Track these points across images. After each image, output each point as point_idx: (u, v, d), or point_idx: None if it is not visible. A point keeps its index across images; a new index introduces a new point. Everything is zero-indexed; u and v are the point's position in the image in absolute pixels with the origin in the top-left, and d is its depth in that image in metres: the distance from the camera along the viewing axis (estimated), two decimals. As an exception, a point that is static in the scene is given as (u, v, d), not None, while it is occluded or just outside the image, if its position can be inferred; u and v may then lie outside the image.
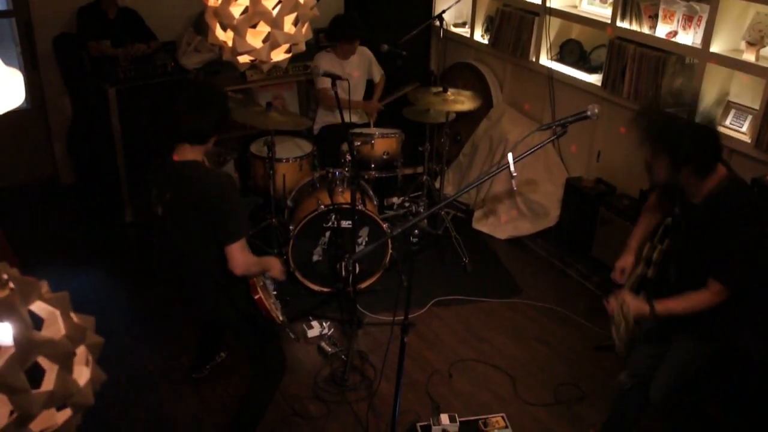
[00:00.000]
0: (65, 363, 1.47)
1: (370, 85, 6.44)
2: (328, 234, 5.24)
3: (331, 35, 6.05)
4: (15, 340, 1.40)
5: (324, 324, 5.01)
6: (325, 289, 5.35)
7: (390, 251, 5.39)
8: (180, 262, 3.66)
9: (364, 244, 5.30)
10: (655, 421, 4.09)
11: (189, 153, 3.47)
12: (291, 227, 5.23)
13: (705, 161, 3.07)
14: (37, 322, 1.50)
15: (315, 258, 5.31)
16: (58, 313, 1.51)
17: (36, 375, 1.46)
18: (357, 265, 5.06)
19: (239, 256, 3.43)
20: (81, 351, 1.54)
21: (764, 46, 4.58)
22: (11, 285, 1.48)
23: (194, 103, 3.43)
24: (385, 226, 5.28)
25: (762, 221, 3.11)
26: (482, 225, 6.39)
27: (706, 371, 4.18)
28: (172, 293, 5.19)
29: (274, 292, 4.01)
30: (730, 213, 3.07)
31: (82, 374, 1.53)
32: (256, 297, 3.65)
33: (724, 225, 3.07)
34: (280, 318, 3.77)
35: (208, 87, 3.69)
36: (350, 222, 5.04)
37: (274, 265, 3.76)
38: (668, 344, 3.52)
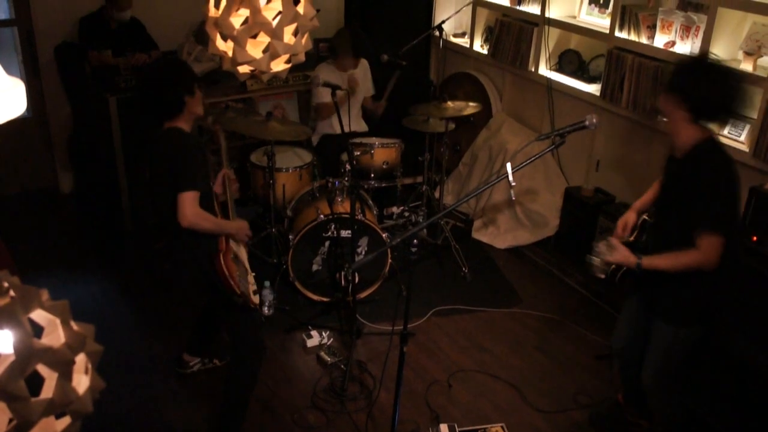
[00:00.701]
0: (64, 371, 1.48)
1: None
2: (327, 244, 5.25)
3: (336, 48, 6.06)
4: (15, 347, 1.41)
5: (323, 334, 5.00)
6: (325, 299, 5.36)
7: (389, 261, 5.39)
8: (162, 225, 3.82)
9: (363, 253, 5.30)
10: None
11: (175, 122, 3.75)
12: (291, 237, 5.24)
13: (698, 104, 3.18)
14: (37, 330, 1.51)
15: (314, 267, 5.31)
16: (58, 321, 1.52)
17: (35, 382, 1.47)
18: (356, 274, 5.07)
19: (186, 207, 3.55)
20: (80, 359, 1.55)
21: (761, 56, 4.60)
22: (12, 293, 1.49)
23: (158, 79, 3.73)
24: (384, 235, 5.29)
25: (733, 176, 3.23)
26: (482, 235, 6.40)
27: (704, 376, 4.21)
28: (172, 300, 5.26)
29: (253, 274, 4.03)
30: (704, 164, 3.20)
31: (81, 382, 1.54)
32: (217, 263, 3.70)
33: (698, 176, 3.19)
34: (239, 290, 3.74)
35: (167, 62, 3.88)
36: (350, 232, 5.05)
37: (238, 228, 3.88)
38: (646, 328, 3.66)
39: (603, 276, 3.50)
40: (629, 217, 3.74)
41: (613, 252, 3.39)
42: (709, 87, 3.15)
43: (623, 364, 4.03)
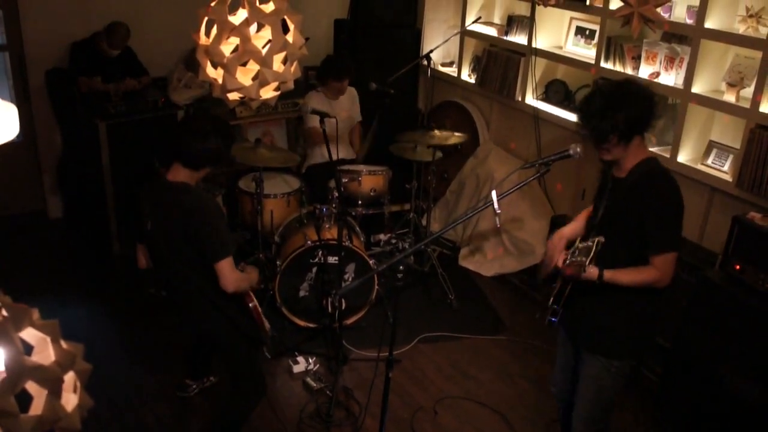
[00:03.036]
0: (54, 388, 1.50)
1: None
2: (314, 270, 5.27)
3: (321, 74, 6.11)
4: (6, 365, 1.43)
5: (310, 360, 5.01)
6: (312, 325, 5.36)
7: (376, 287, 5.41)
8: (168, 277, 3.77)
9: (350, 280, 5.32)
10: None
11: (181, 174, 3.60)
12: (278, 263, 5.26)
13: (626, 128, 3.13)
14: (26, 348, 1.53)
15: (301, 294, 5.32)
16: (48, 339, 1.54)
17: (23, 400, 1.48)
18: (343, 300, 5.08)
19: (229, 274, 3.54)
20: (69, 377, 1.57)
21: (744, 87, 4.67)
22: (3, 312, 1.51)
23: (199, 129, 3.56)
24: (371, 262, 5.31)
25: (679, 192, 3.22)
26: (468, 262, 6.42)
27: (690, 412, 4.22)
28: (160, 321, 5.26)
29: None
30: (656, 185, 3.19)
31: (69, 400, 1.56)
32: (251, 305, 3.75)
33: (652, 197, 3.17)
34: (268, 326, 3.84)
35: (216, 118, 3.81)
36: (337, 258, 5.07)
37: (255, 276, 3.88)
38: (578, 360, 3.56)
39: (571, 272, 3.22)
40: (560, 246, 3.58)
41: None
42: (632, 106, 3.12)
43: (563, 409, 3.89)
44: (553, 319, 3.43)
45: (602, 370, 3.41)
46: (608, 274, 3.20)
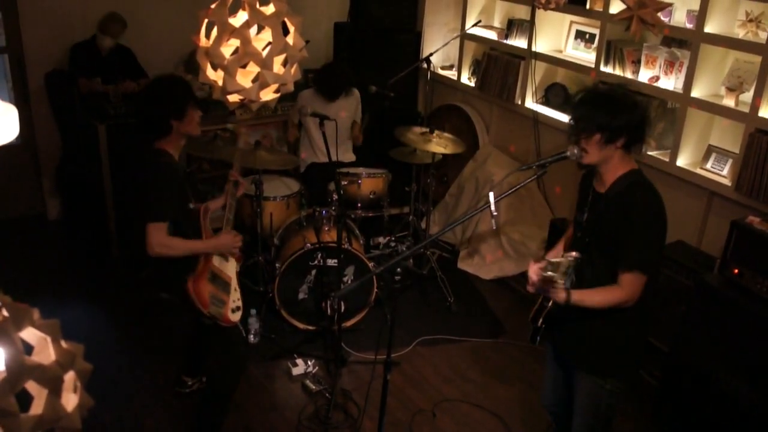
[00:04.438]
0: (54, 388, 1.50)
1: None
2: (314, 272, 5.27)
3: (320, 85, 6.09)
4: (6, 364, 1.44)
5: (309, 362, 5.01)
6: (311, 327, 5.36)
7: (375, 290, 5.41)
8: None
9: (349, 282, 5.32)
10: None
11: (161, 142, 3.75)
12: (277, 265, 5.26)
13: (612, 132, 3.02)
14: (26, 348, 1.53)
15: (301, 296, 5.33)
16: (48, 339, 1.55)
17: (23, 400, 1.49)
18: (342, 303, 5.09)
19: (152, 236, 3.58)
20: (69, 377, 1.57)
21: (743, 92, 4.68)
22: (4, 312, 1.52)
23: (143, 96, 3.82)
24: (370, 265, 5.32)
25: (665, 215, 3.10)
26: (467, 265, 6.42)
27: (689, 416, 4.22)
28: (159, 322, 5.26)
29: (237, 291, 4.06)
30: (638, 200, 3.04)
31: (70, 400, 1.56)
32: (185, 286, 3.72)
33: (631, 212, 3.03)
34: (208, 312, 3.77)
35: (157, 78, 3.95)
36: (336, 260, 5.07)
37: (218, 245, 3.90)
38: (569, 378, 3.50)
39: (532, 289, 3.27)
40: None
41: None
42: (624, 112, 3.01)
43: (555, 421, 3.85)
44: (536, 337, 3.44)
45: (597, 389, 3.33)
46: (576, 296, 3.12)
